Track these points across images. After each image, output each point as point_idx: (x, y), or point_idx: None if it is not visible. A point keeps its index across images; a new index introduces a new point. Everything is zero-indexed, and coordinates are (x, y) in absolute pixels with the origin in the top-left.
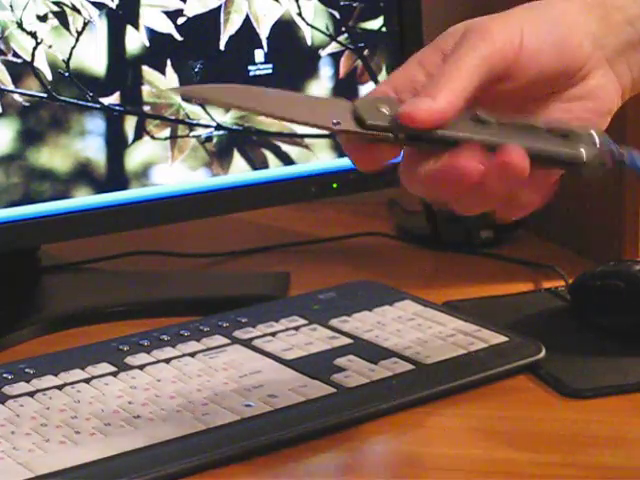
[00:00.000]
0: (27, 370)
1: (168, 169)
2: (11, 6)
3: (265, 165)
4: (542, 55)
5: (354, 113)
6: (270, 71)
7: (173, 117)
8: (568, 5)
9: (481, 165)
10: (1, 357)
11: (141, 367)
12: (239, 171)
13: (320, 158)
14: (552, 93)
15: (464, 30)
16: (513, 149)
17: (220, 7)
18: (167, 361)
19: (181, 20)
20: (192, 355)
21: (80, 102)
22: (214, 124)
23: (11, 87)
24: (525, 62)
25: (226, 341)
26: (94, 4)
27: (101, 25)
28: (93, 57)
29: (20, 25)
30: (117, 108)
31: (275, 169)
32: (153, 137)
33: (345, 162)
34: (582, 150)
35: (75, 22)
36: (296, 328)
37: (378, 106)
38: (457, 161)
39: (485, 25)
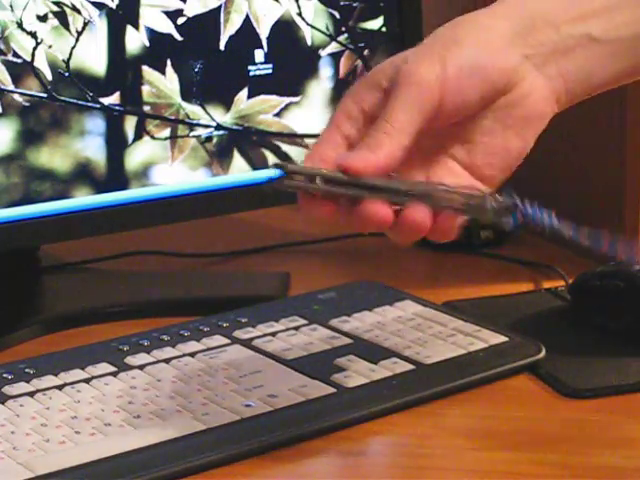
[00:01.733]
0: (27, 370)
1: (168, 169)
2: (11, 6)
3: (265, 165)
4: (466, 86)
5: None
6: (270, 71)
7: (173, 117)
8: (492, 22)
9: (389, 217)
10: (1, 357)
11: (141, 367)
12: (239, 171)
13: None
14: (481, 109)
15: (394, 73)
16: (418, 208)
17: (220, 7)
18: (167, 361)
19: (181, 20)
20: (192, 355)
21: (80, 102)
22: (214, 124)
23: (11, 87)
24: (451, 96)
25: (226, 341)
26: (94, 4)
27: (101, 25)
28: (93, 57)
29: (20, 25)
30: (117, 108)
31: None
32: (153, 137)
33: None
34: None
35: (75, 22)
36: (296, 328)
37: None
38: (369, 210)
39: (411, 70)
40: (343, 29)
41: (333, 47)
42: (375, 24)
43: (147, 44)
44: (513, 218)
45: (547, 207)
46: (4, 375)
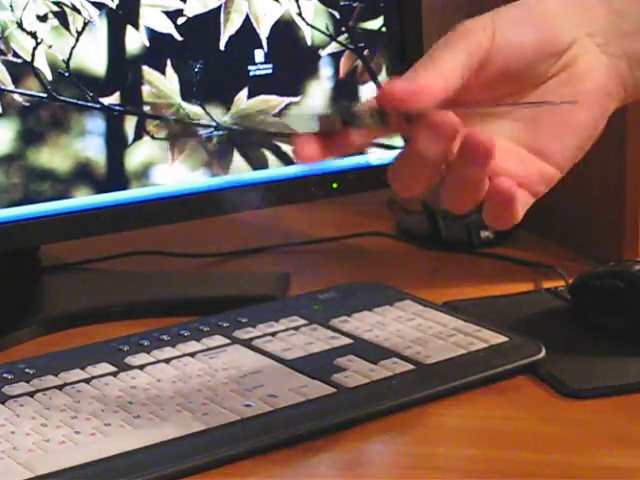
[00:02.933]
0: (27, 370)
1: (168, 169)
2: (11, 6)
3: (265, 165)
4: (517, 36)
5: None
6: (270, 71)
7: (173, 117)
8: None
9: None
10: (1, 357)
11: (141, 367)
12: (239, 171)
13: None
14: (541, 82)
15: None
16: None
17: (220, 7)
18: (167, 361)
19: (181, 20)
20: (192, 355)
21: (80, 102)
22: (214, 124)
23: (11, 87)
24: (501, 46)
25: (226, 341)
26: (94, 4)
27: (101, 25)
28: (93, 57)
29: (20, 25)
30: (117, 108)
31: (275, 169)
32: (153, 137)
33: (345, 162)
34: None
35: (75, 22)
36: (296, 328)
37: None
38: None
39: (460, 25)
40: (343, 29)
41: (333, 47)
42: (375, 24)
43: (147, 44)
44: None
45: (546, 207)
46: (4, 375)
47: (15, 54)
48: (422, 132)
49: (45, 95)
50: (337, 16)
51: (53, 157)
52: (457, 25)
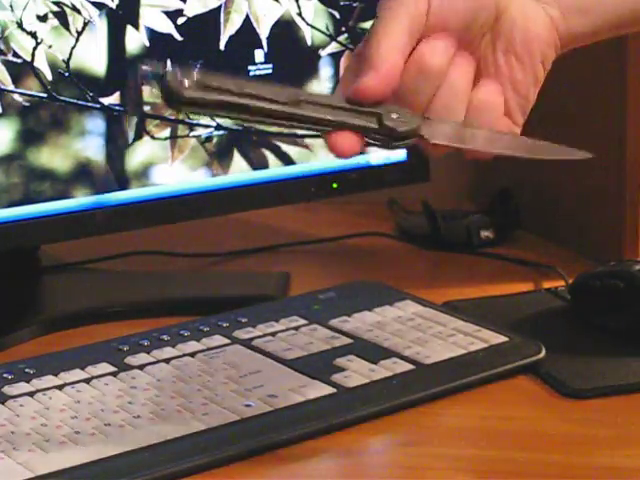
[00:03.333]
0: (27, 370)
1: (168, 169)
2: (11, 6)
3: (265, 165)
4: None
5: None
6: (270, 71)
7: (173, 117)
8: None
9: None
10: (1, 357)
11: (141, 367)
12: (239, 171)
13: (320, 158)
14: (479, 37)
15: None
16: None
17: (220, 7)
18: (167, 361)
19: (181, 20)
20: (192, 355)
21: (80, 102)
22: (214, 124)
23: (11, 87)
24: (437, 9)
25: (226, 341)
26: (94, 4)
27: (101, 25)
28: (93, 57)
29: (20, 25)
30: (117, 108)
31: (275, 169)
32: (153, 137)
33: (345, 162)
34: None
35: (75, 22)
36: (296, 328)
37: None
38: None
39: None
40: (343, 29)
41: (333, 47)
42: None
43: (147, 44)
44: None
45: (546, 207)
46: (4, 375)
47: (15, 54)
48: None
49: (45, 95)
50: (337, 16)
51: (53, 157)
52: None
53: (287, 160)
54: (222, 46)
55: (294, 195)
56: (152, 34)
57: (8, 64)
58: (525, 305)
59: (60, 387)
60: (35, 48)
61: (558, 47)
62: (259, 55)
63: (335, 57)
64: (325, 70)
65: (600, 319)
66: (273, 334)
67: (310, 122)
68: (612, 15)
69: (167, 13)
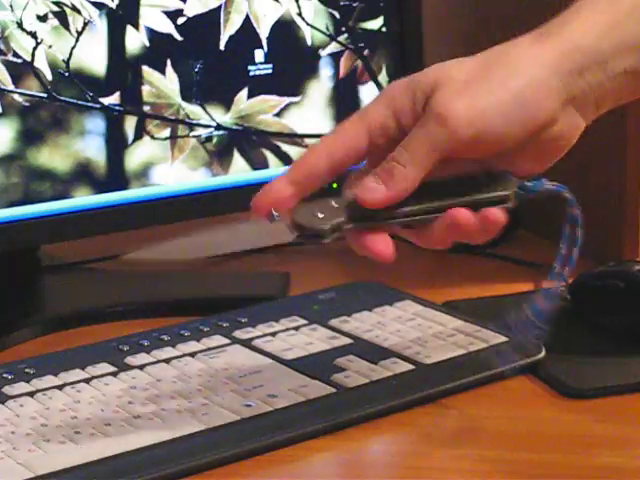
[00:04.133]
0: (27, 370)
1: (168, 169)
2: (11, 6)
3: (265, 165)
4: (506, 132)
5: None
6: (270, 71)
7: (173, 117)
8: (539, 52)
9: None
10: (1, 357)
11: (141, 367)
12: (239, 171)
13: None
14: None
15: (428, 95)
16: (458, 212)
17: (220, 7)
18: (167, 361)
19: (181, 20)
20: (192, 355)
21: (80, 102)
22: (214, 124)
23: (11, 87)
24: (487, 140)
25: (226, 341)
26: (94, 4)
27: (101, 25)
28: (93, 57)
29: (20, 25)
30: (117, 108)
31: (275, 169)
32: (153, 137)
33: None
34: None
35: (75, 22)
36: (296, 328)
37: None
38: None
39: (446, 107)
40: (343, 29)
41: (333, 47)
42: (375, 24)
43: (147, 44)
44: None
45: (547, 208)
46: (4, 375)
47: (15, 54)
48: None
49: (45, 95)
50: (337, 16)
51: (53, 157)
52: (439, 98)
53: (287, 160)
54: (222, 46)
55: None
56: (152, 34)
57: (8, 64)
58: (525, 305)
59: (60, 387)
60: (35, 48)
61: None
62: (259, 55)
63: (335, 57)
64: (325, 70)
65: (600, 319)
66: (273, 334)
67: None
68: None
69: (167, 13)
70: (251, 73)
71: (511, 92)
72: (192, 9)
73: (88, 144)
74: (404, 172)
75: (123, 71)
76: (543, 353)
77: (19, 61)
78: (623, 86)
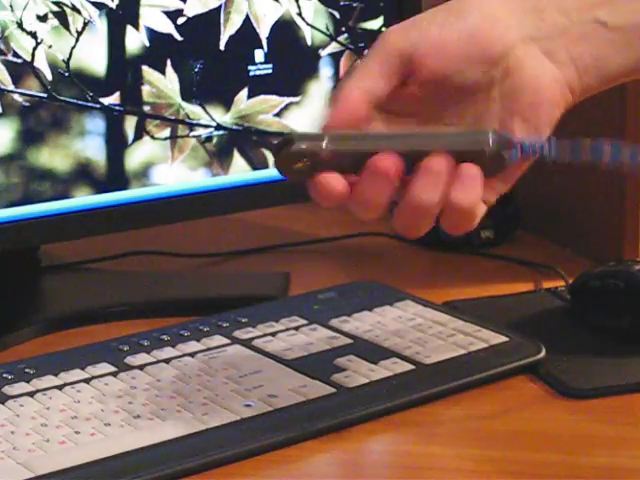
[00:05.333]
0: (27, 370)
1: (168, 169)
2: (11, 6)
3: (265, 165)
4: (448, 46)
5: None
6: (270, 71)
7: (173, 117)
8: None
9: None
10: (1, 357)
11: (141, 367)
12: (239, 171)
13: None
14: (484, 90)
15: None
16: (434, 159)
17: (220, 7)
18: (167, 361)
19: (181, 20)
20: (192, 355)
21: (80, 102)
22: (214, 124)
23: (11, 87)
24: (425, 51)
25: (226, 341)
26: (94, 4)
27: (101, 25)
28: (93, 57)
29: (20, 25)
30: (117, 108)
31: (275, 169)
32: (153, 137)
33: None
34: (483, 139)
35: (75, 22)
36: (296, 328)
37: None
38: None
39: (386, 32)
40: (343, 29)
41: (333, 47)
42: (375, 24)
43: (147, 44)
44: (513, 153)
45: (547, 208)
46: (4, 375)
47: (15, 54)
48: (419, 180)
49: (45, 95)
50: (337, 16)
51: (53, 157)
52: (382, 34)
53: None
54: (222, 46)
55: (294, 195)
56: (152, 34)
57: (8, 64)
58: (525, 305)
59: (60, 387)
60: (35, 48)
61: (569, 104)
62: (259, 55)
63: (335, 57)
64: (325, 70)
65: (600, 319)
66: (273, 334)
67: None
68: (627, 61)
69: (167, 13)
70: (251, 73)
71: (467, 25)
72: (192, 9)
73: (88, 144)
74: (348, 92)
75: (123, 71)
76: (543, 353)
77: (19, 61)
78: (596, 38)
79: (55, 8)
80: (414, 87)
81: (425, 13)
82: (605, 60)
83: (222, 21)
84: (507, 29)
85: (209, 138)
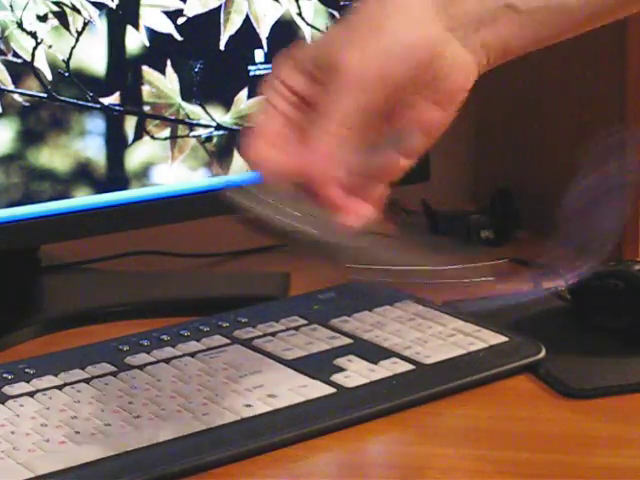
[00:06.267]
0: (27, 370)
1: (168, 169)
2: (11, 6)
3: None
4: (395, 69)
5: None
6: (270, 71)
7: (173, 117)
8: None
9: None
10: (1, 357)
11: (141, 367)
12: (239, 171)
13: None
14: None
15: (321, 59)
16: None
17: (220, 7)
18: (167, 361)
19: (181, 20)
20: (192, 355)
21: (80, 102)
22: (214, 124)
23: (11, 87)
24: (381, 81)
25: (226, 341)
26: (94, 4)
27: (101, 25)
28: (93, 57)
29: (20, 25)
30: (117, 108)
31: None
32: (153, 137)
33: None
34: None
35: (75, 22)
36: (296, 328)
37: None
38: None
39: (342, 62)
40: None
41: None
42: None
43: (147, 44)
44: None
45: (547, 207)
46: (4, 375)
47: (15, 54)
48: None
49: (45, 95)
50: (337, 16)
51: (53, 157)
52: (336, 57)
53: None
54: (222, 46)
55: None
56: (152, 34)
57: (8, 64)
58: (525, 305)
59: (60, 387)
60: (35, 48)
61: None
62: (259, 55)
63: None
64: None
65: (600, 319)
66: (273, 334)
67: None
68: (531, 40)
69: (167, 13)
70: (251, 73)
71: (393, 34)
72: (192, 9)
73: (88, 144)
74: (328, 137)
75: (123, 71)
76: (543, 353)
77: (19, 61)
78: (507, 22)
79: (55, 8)
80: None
81: (343, 31)
82: (512, 41)
83: (222, 21)
84: (428, 31)
85: (209, 138)
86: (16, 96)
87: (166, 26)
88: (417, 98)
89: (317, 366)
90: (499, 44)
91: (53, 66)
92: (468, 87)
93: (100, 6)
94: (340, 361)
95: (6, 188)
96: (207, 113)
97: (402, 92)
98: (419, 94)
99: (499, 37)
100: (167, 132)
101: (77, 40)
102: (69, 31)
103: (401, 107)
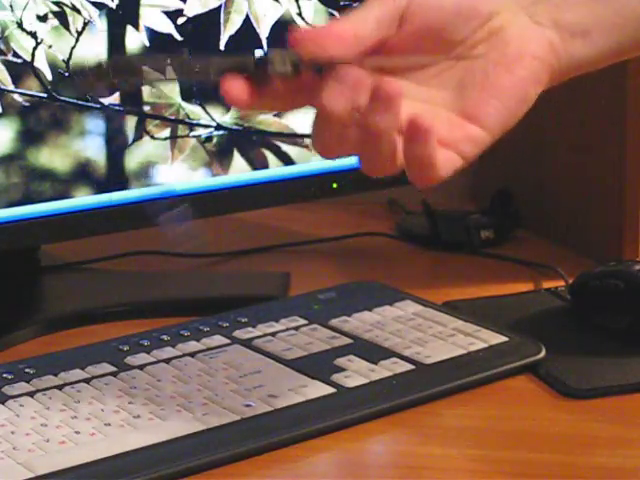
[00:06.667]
0: (27, 370)
1: (168, 169)
2: (11, 6)
3: (265, 165)
4: (453, 19)
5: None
6: None
7: (173, 117)
8: None
9: None
10: (1, 357)
11: (141, 367)
12: (239, 171)
13: (320, 158)
14: (469, 47)
15: None
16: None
17: (220, 7)
18: (167, 361)
19: (181, 20)
20: (192, 355)
21: (80, 102)
22: (214, 124)
23: (11, 87)
24: (425, 5)
25: (226, 341)
26: (94, 4)
27: (101, 25)
28: (93, 57)
29: (20, 25)
30: (117, 108)
31: (275, 169)
32: (153, 137)
33: (345, 162)
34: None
35: (75, 22)
36: (296, 328)
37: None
38: None
39: None
40: None
41: None
42: None
43: (147, 44)
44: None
45: (547, 208)
46: (4, 375)
47: (15, 54)
48: (328, 84)
49: (45, 95)
50: (337, 16)
51: (53, 157)
52: None
53: (287, 160)
54: (222, 46)
55: (294, 195)
56: (152, 34)
57: (8, 64)
58: (525, 305)
59: (60, 387)
60: (35, 48)
61: (555, 71)
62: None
63: None
64: None
65: (600, 319)
66: (273, 334)
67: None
68: (614, 39)
69: (167, 13)
70: None
71: None
72: (192, 9)
73: (88, 144)
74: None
75: None
76: (543, 353)
77: (19, 61)
78: (581, 6)
79: (55, 8)
80: (403, 38)
81: None
82: (591, 31)
83: (222, 21)
84: None
85: (209, 138)
86: (16, 96)
87: (166, 26)
88: (487, 62)
89: (317, 366)
90: (574, 27)
91: (53, 66)
92: (543, 60)
93: (100, 6)
94: (340, 361)
95: (6, 188)
96: (207, 113)
97: (461, 41)
98: (485, 59)
99: (574, 20)
100: (167, 132)
101: (77, 40)
102: (69, 31)
103: (474, 73)
